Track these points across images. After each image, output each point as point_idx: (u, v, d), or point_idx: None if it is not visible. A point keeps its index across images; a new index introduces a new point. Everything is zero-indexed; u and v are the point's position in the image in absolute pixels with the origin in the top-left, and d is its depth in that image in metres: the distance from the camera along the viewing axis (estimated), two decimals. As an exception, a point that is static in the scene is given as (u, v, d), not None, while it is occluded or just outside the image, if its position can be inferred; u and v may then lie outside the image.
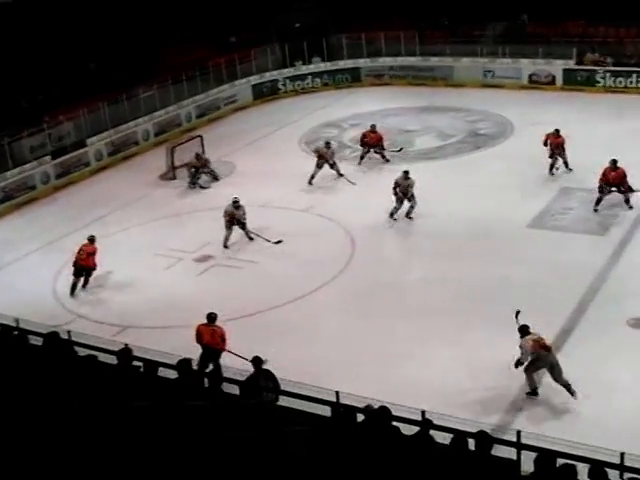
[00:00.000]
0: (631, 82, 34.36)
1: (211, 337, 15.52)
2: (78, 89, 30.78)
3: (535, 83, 36.46)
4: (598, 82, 35.08)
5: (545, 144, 25.27)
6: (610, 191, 22.30)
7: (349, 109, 34.93)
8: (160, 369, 11.55)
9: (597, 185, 22.26)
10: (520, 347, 14.42)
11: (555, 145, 25.16)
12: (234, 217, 22.20)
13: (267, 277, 20.18)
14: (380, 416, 9.71)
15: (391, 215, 22.80)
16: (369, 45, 39.72)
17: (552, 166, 25.10)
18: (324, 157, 26.44)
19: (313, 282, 19.49)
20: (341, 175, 26.48)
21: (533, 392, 14.64)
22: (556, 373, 14.31)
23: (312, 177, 26.25)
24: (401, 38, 38.92)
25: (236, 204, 22.17)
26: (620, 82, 34.60)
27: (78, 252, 20.19)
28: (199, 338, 15.58)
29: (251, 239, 22.39)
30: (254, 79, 38.47)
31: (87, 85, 31.26)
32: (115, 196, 26.48)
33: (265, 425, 9.30)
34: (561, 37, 36.72)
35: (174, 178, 28.05)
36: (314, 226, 23.06)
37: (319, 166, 26.31)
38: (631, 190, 22.17)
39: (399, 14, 38.70)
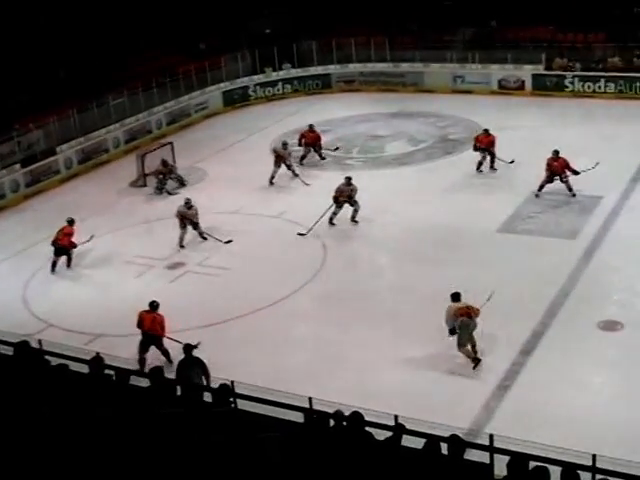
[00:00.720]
0: (599, 87, 34.66)
1: (151, 324, 16.45)
2: (48, 96, 30.56)
3: (504, 88, 36.72)
4: (567, 87, 35.39)
5: (475, 148, 26.18)
6: (554, 180, 23.52)
7: (320, 115, 34.91)
8: (132, 377, 11.51)
9: (545, 176, 23.60)
10: (446, 312, 15.69)
11: (485, 144, 25.97)
12: (186, 217, 22.56)
13: (239, 284, 20.14)
14: (353, 421, 9.73)
15: (330, 220, 22.99)
16: (339, 51, 39.82)
17: (480, 164, 26.10)
18: (281, 157, 26.93)
19: (285, 289, 19.48)
20: (296, 175, 26.91)
21: (475, 360, 15.56)
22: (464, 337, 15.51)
23: (272, 177, 26.78)
24: (371, 44, 39.09)
25: (188, 204, 22.61)
26: (589, 87, 34.90)
27: (57, 232, 21.32)
28: (140, 324, 16.52)
29: (204, 239, 22.76)
30: (224, 86, 38.46)
31: (57, 92, 31.06)
32: (85, 204, 26.32)
33: (238, 432, 9.29)
34: (530, 42, 37.05)
35: (145, 185, 27.95)
36: (285, 232, 23.05)
37: (277, 165, 26.86)
38: (576, 173, 23.43)
39: (369, 20, 38.82)
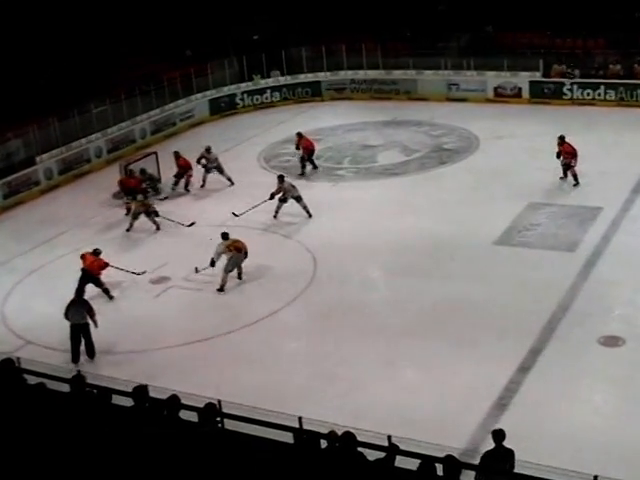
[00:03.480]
0: (599, 94, 34.77)
1: (91, 264, 20.39)
2: (27, 104, 30.47)
3: (501, 96, 36.81)
4: (565, 94, 35.48)
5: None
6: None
7: (310, 124, 34.97)
8: (114, 396, 11.47)
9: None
10: (216, 250, 20.33)
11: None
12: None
13: (226, 299, 20.12)
14: (345, 442, 9.72)
15: (275, 215, 24.52)
16: (330, 58, 39.83)
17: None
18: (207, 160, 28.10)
19: (274, 303, 19.47)
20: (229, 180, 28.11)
21: (221, 289, 20.22)
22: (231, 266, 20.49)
23: (203, 182, 28.25)
24: (363, 50, 39.15)
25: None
26: (588, 94, 35.00)
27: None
28: (82, 261, 20.38)
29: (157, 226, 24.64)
30: (211, 94, 38.46)
31: (36, 99, 30.98)
32: (66, 216, 26.29)
33: (225, 453, 9.27)
34: (527, 48, 37.14)
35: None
36: (274, 245, 23.07)
37: (207, 171, 28.10)
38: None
39: (360, 25, 38.86)
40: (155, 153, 29.36)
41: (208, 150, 28.24)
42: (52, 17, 34.72)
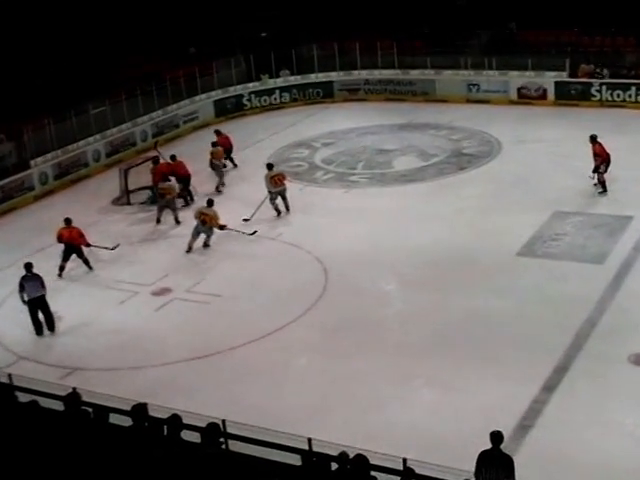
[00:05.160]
0: (630, 95, 34.73)
1: (69, 235, 22.35)
2: (21, 104, 30.61)
3: (525, 97, 36.80)
4: (594, 96, 35.45)
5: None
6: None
7: (321, 127, 35.06)
8: (112, 415, 11.48)
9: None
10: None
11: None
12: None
13: (232, 312, 20.11)
14: (357, 465, 9.69)
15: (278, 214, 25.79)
16: (343, 57, 39.96)
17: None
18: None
19: (283, 317, 19.45)
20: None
21: (188, 249, 23.53)
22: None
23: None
24: (377, 49, 39.21)
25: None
26: (618, 95, 34.97)
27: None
28: (60, 238, 22.49)
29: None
30: (216, 94, 38.59)
31: (31, 100, 31.12)
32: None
33: (230, 476, 9.26)
34: (553, 47, 37.17)
35: (128, 203, 27.99)
36: (283, 255, 23.06)
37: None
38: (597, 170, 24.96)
39: (375, 22, 38.93)
40: (157, 157, 29.37)
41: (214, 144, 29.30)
42: (49, 13, 34.86)
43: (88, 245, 22.88)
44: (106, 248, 23.41)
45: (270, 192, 25.61)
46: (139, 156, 31.85)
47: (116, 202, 28.42)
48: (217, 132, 30.80)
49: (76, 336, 19.61)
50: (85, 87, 33.21)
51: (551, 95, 36.38)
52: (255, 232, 24.18)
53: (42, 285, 19.74)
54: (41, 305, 19.63)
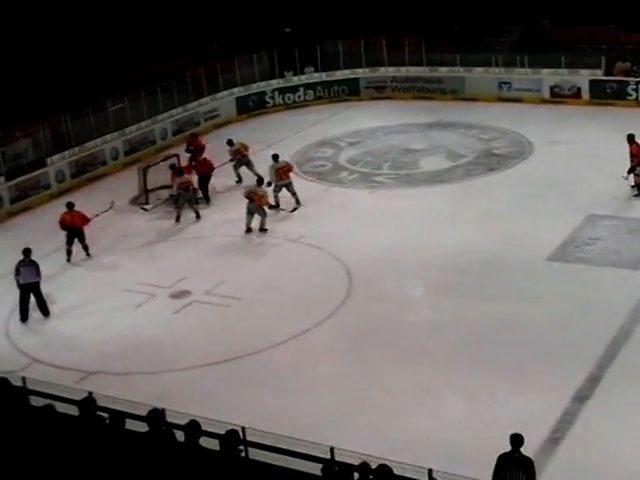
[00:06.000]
0: (668, 95, 34.64)
1: (72, 219, 23.58)
2: (37, 100, 30.77)
3: (558, 96, 36.69)
4: (630, 95, 35.32)
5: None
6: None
7: (346, 126, 35.07)
8: (128, 421, 11.52)
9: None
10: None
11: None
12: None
13: (252, 316, 20.14)
14: (380, 475, 9.69)
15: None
16: (369, 53, 39.94)
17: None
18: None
19: (305, 321, 19.46)
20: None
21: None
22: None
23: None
24: (405, 45, 39.16)
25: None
26: (656, 95, 34.87)
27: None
28: (63, 224, 23.63)
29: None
30: (238, 91, 38.67)
31: (48, 96, 31.28)
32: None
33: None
34: (588, 44, 36.93)
35: (147, 203, 28.06)
36: (305, 258, 23.08)
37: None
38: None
39: (403, 18, 38.90)
40: (177, 155, 29.46)
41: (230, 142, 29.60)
42: (66, 6, 35.00)
43: (89, 220, 23.99)
44: (105, 211, 25.14)
45: (275, 184, 26.19)
46: (158, 154, 31.96)
47: (134, 202, 28.50)
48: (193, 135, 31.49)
49: (91, 339, 19.68)
50: (103, 83, 33.35)
51: (585, 94, 36.24)
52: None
53: (37, 272, 20.66)
54: (34, 291, 20.65)
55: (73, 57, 33.96)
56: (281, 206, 26.00)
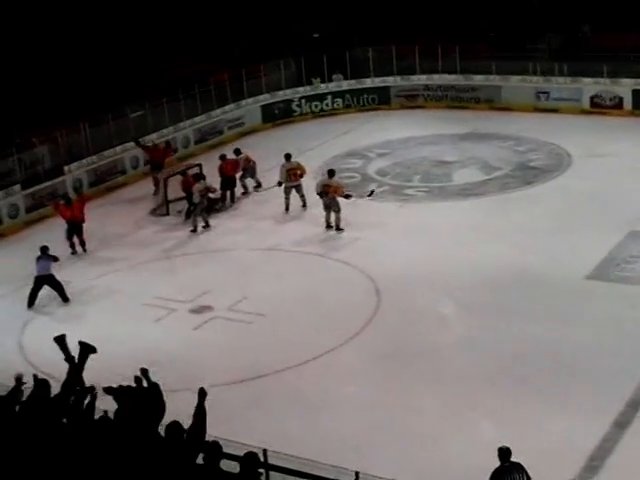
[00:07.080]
0: None
1: (72, 212, 25.12)
2: (55, 106, 30.92)
3: (598, 107, 36.59)
4: (675, 106, 35.21)
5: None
6: None
7: (376, 136, 35.07)
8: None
9: None
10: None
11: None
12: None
13: (275, 334, 20.12)
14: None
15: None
16: (400, 60, 39.95)
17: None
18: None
19: (330, 340, 19.42)
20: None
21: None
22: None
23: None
24: (438, 52, 39.14)
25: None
26: (702, 105, 34.74)
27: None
28: (63, 217, 25.13)
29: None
30: (264, 99, 38.81)
31: (66, 102, 31.42)
32: (97, 234, 26.50)
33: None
34: (630, 52, 36.75)
35: (167, 214, 28.14)
36: (332, 273, 23.07)
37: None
38: None
39: (436, 24, 38.90)
40: (199, 165, 29.51)
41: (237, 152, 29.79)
42: (88, 13, 35.21)
43: (80, 233, 25.38)
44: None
45: (285, 186, 26.78)
46: (180, 164, 32.01)
47: (154, 212, 28.55)
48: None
49: (108, 355, 19.65)
50: (123, 89, 33.49)
51: (628, 104, 36.11)
52: (373, 192, 27.16)
53: (51, 265, 22.23)
54: (49, 282, 22.06)
55: (93, 62, 34.12)
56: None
